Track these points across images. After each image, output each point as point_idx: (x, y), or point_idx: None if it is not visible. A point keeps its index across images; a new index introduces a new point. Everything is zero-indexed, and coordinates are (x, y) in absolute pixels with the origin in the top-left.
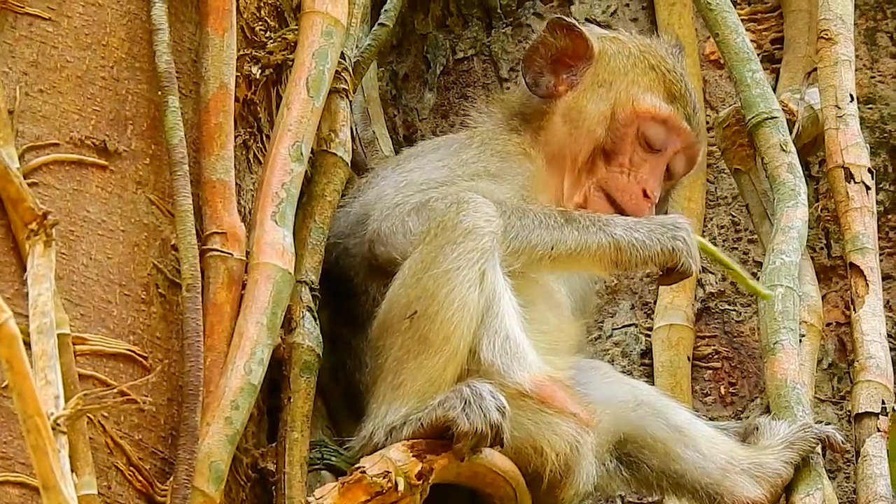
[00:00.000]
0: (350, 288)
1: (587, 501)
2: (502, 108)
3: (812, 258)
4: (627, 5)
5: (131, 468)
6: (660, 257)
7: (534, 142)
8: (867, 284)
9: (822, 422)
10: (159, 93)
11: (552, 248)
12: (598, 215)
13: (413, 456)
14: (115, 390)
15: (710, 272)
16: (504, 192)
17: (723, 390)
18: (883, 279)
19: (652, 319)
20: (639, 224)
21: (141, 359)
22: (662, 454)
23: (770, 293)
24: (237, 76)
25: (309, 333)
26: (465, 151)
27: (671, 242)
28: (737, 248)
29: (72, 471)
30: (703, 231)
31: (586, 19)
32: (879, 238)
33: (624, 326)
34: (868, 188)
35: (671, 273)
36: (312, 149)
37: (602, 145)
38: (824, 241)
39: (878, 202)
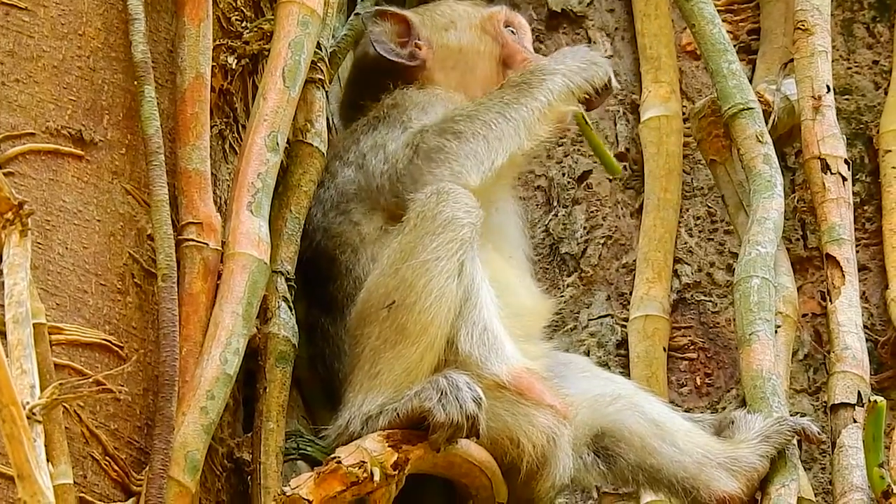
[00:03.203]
0: (332, 271)
1: (563, 493)
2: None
3: (788, 249)
4: None
5: (107, 458)
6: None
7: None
8: (843, 275)
9: (797, 413)
10: (135, 82)
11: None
12: (532, 85)
13: (389, 446)
14: (90, 380)
15: (687, 263)
16: None
17: (698, 381)
18: (859, 270)
19: (627, 310)
20: (564, 60)
21: (117, 348)
22: (639, 448)
23: (619, 169)
24: (213, 66)
25: (284, 323)
26: (403, 114)
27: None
28: (713, 239)
29: (47, 460)
30: (679, 221)
31: (562, 10)
32: (856, 229)
33: (599, 317)
34: (844, 179)
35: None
36: (288, 139)
37: (501, 57)
38: (800, 232)
39: (854, 193)
